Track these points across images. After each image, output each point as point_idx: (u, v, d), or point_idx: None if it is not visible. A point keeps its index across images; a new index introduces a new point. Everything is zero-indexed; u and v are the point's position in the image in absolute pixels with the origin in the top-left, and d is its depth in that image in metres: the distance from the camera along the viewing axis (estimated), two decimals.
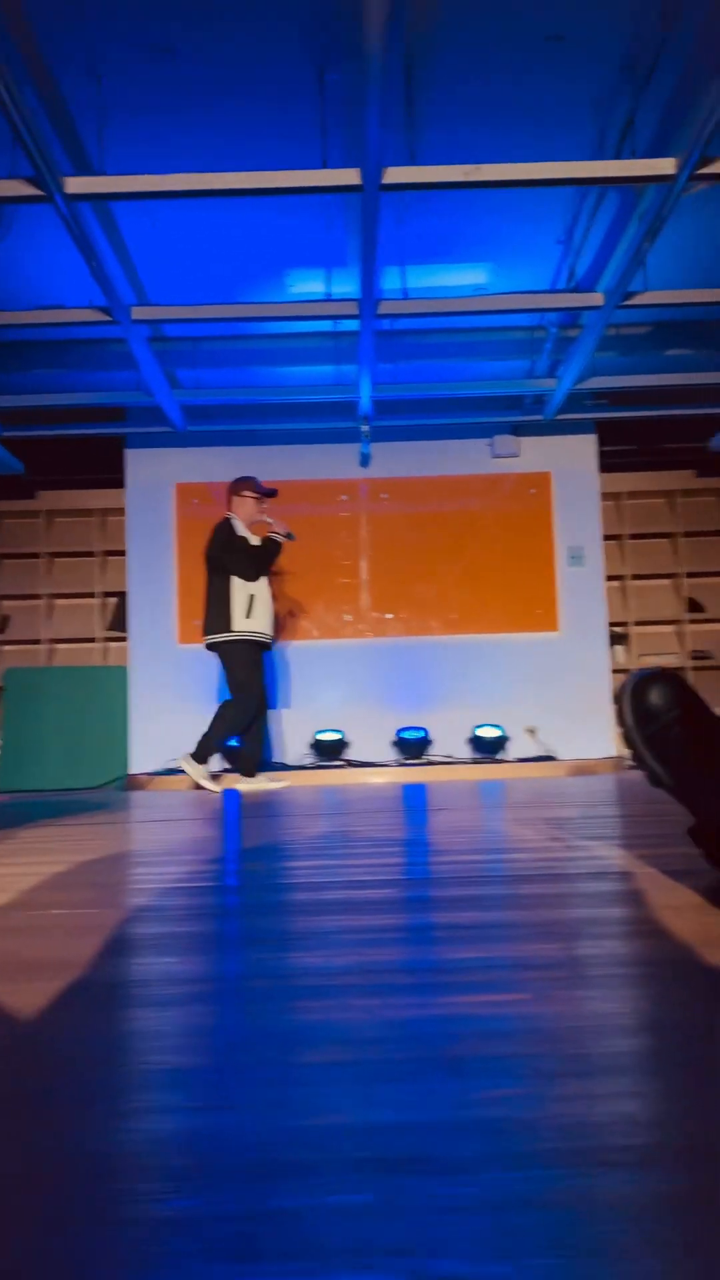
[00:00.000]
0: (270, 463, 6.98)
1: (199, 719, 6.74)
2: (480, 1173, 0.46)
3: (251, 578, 5.11)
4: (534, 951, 0.93)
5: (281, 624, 6.77)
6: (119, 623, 7.69)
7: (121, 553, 7.63)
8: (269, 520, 5.32)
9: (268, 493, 5.34)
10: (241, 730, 5.07)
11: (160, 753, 6.73)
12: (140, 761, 6.74)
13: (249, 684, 5.02)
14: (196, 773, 5.06)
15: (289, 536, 5.27)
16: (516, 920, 1.10)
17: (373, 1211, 0.43)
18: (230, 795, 4.66)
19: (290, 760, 6.53)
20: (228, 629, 5.04)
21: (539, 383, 6.38)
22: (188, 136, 4.38)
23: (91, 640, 7.80)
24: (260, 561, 5.14)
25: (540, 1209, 0.43)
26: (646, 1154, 0.48)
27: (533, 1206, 0.43)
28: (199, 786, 5.13)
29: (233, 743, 5.33)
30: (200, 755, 5.03)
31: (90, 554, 7.91)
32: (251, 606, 5.10)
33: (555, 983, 0.81)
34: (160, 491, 6.97)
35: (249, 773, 5.18)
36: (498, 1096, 0.56)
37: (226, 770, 5.30)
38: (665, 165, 3.88)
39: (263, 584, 5.16)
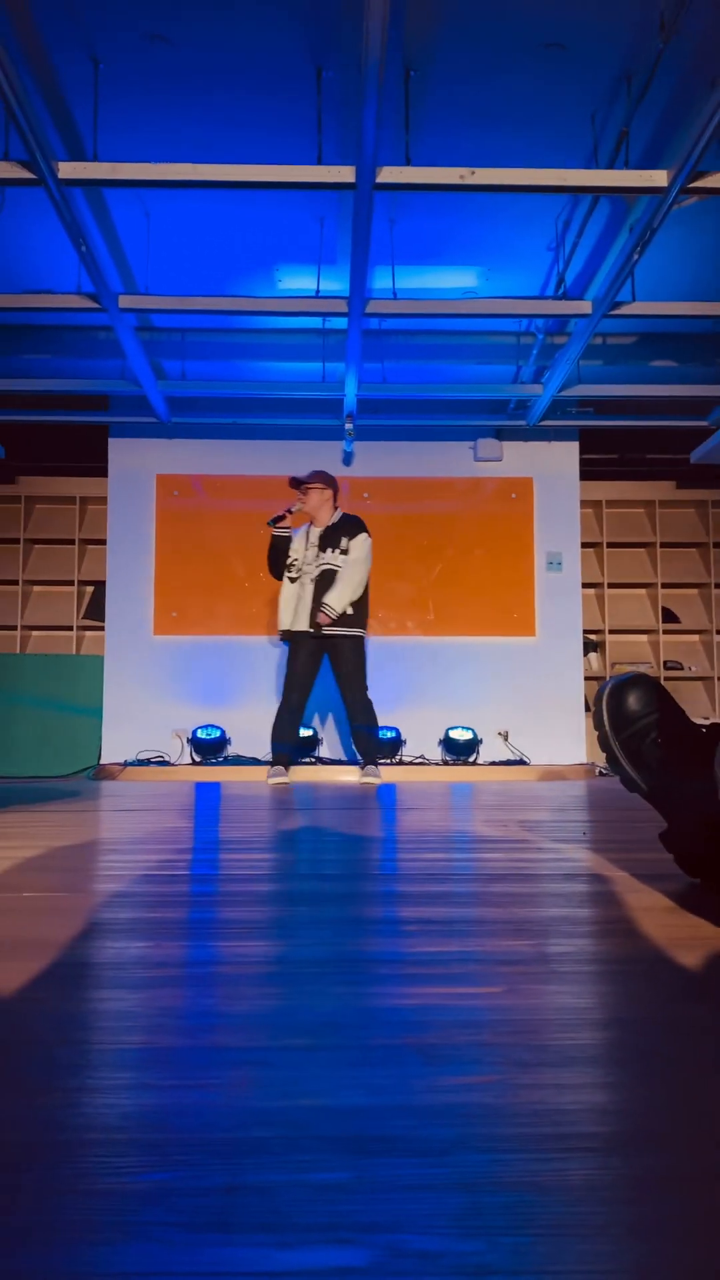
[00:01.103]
0: (253, 457, 6.97)
1: (172, 710, 6.72)
2: (452, 1154, 0.47)
3: (271, 573, 5.32)
4: (505, 947, 0.94)
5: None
6: (96, 612, 7.65)
7: (101, 541, 7.59)
8: (294, 510, 5.31)
9: (292, 483, 5.34)
10: (278, 725, 5.21)
11: (133, 743, 6.70)
12: (113, 751, 6.71)
13: (287, 673, 5.20)
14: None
15: (272, 522, 5.26)
16: (488, 917, 1.11)
17: (347, 1189, 0.43)
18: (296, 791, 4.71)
19: (262, 754, 6.52)
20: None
21: (524, 388, 6.41)
22: (182, 126, 4.37)
23: (68, 629, 7.75)
24: (268, 557, 5.30)
25: (510, 1190, 0.44)
26: (613, 1140, 0.49)
27: (503, 1187, 0.44)
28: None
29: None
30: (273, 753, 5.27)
31: (69, 542, 7.86)
32: (280, 601, 5.27)
33: (526, 977, 0.82)
34: (142, 482, 6.95)
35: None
36: (469, 1083, 0.56)
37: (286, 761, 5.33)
38: (658, 177, 3.91)
39: (286, 583, 5.25)
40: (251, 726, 6.68)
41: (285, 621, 5.21)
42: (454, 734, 6.61)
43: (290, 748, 5.28)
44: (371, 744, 5.28)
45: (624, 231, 4.93)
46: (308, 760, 6.48)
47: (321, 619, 5.06)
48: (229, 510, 6.97)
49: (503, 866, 1.61)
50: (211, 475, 7.03)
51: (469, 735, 6.61)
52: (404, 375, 6.57)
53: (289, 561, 5.27)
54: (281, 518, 5.28)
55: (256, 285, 5.67)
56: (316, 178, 3.98)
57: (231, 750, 6.65)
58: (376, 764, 5.27)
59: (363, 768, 5.25)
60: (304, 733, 6.54)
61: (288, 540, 5.31)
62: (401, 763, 6.35)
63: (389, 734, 6.43)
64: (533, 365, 6.38)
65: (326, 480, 5.36)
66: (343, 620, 5.10)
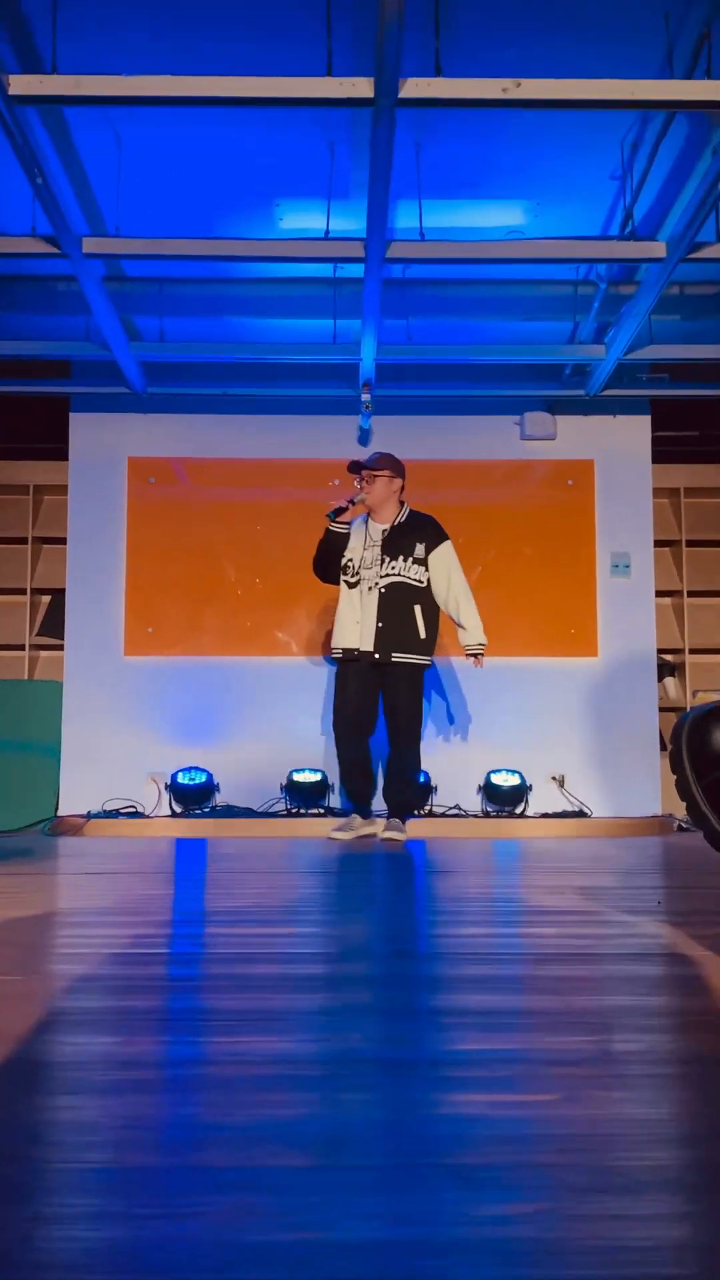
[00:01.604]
0: (248, 436, 7.00)
1: (148, 749, 6.73)
2: None
3: (317, 573, 5.50)
4: (560, 1044, 0.93)
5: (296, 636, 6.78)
6: (53, 627, 7.68)
7: (61, 540, 7.61)
8: (356, 501, 5.36)
9: (351, 467, 5.37)
10: (342, 759, 5.36)
11: (98, 790, 6.72)
12: (73, 800, 6.73)
13: (337, 705, 5.34)
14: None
15: (333, 514, 5.33)
16: (539, 1007, 1.10)
17: None
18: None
19: (258, 804, 6.52)
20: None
21: (582, 350, 6.41)
22: (160, 31, 4.42)
23: (19, 648, 7.78)
24: (317, 555, 5.46)
25: None
26: None
27: None
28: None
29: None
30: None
31: (20, 540, 7.91)
32: (339, 611, 5.40)
33: (585, 1082, 0.82)
34: (111, 467, 6.99)
35: (358, 811, 5.40)
36: (514, 1213, 0.56)
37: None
38: None
39: (344, 589, 5.35)
40: (245, 769, 6.67)
41: (346, 638, 5.25)
42: (496, 779, 6.58)
43: (364, 801, 5.36)
44: (408, 794, 5.27)
45: (705, 156, 4.94)
46: (316, 811, 6.47)
47: (476, 663, 5.27)
48: (219, 501, 7.00)
49: (558, 944, 1.60)
50: (197, 458, 7.06)
51: (515, 781, 6.58)
52: (433, 335, 6.58)
53: (345, 562, 5.32)
54: (344, 509, 5.30)
55: (252, 225, 5.71)
56: (326, 93, 4.00)
57: (220, 799, 6.64)
58: (405, 818, 5.27)
59: (388, 819, 5.25)
60: (311, 776, 6.54)
61: (346, 538, 5.34)
62: (432, 814, 6.33)
63: (417, 779, 6.43)
64: (593, 322, 6.38)
65: (395, 466, 5.34)
66: (408, 642, 5.20)
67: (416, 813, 6.23)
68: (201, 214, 5.64)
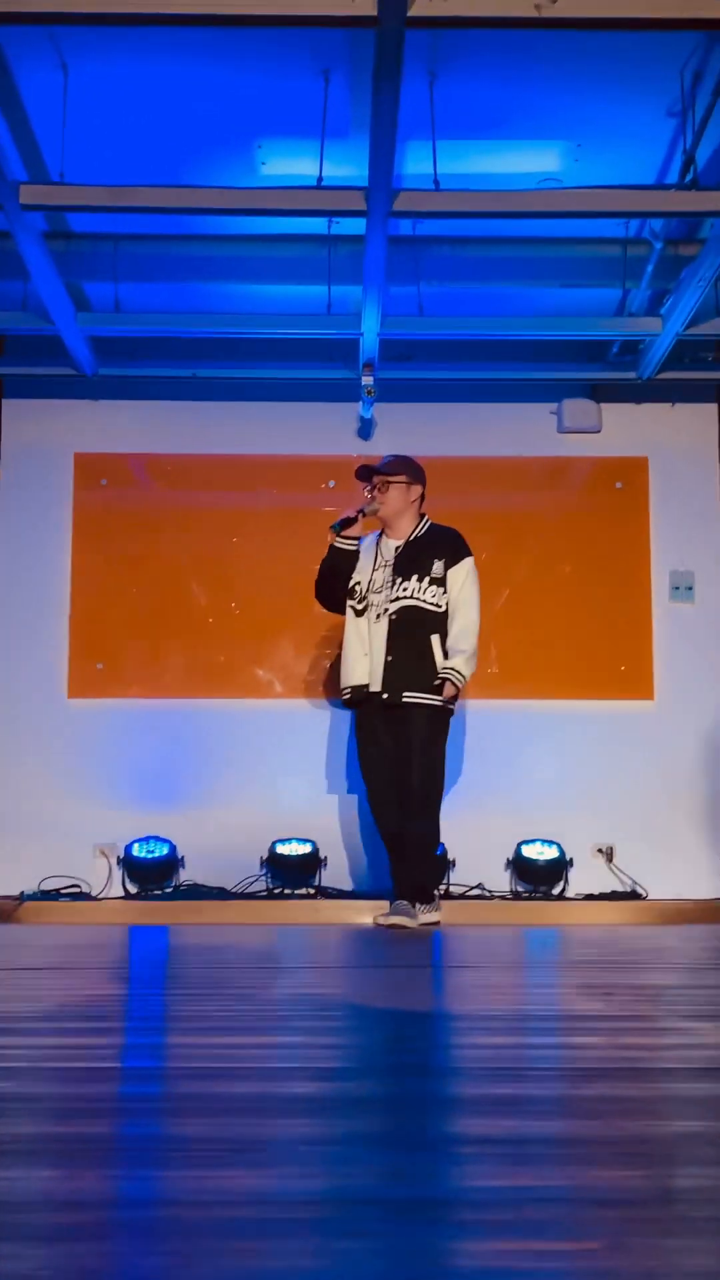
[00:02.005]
0: (223, 428, 7.02)
1: (95, 814, 6.70)
2: None
3: (320, 599, 5.67)
4: (606, 1179, 0.93)
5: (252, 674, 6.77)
6: None
7: None
8: (366, 512, 5.52)
9: (360, 473, 5.49)
10: (383, 832, 5.48)
11: (34, 865, 6.68)
12: (4, 878, 6.70)
13: (361, 764, 5.47)
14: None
15: (337, 526, 5.46)
16: (580, 1134, 1.10)
17: None
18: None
19: (232, 882, 6.49)
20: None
21: (634, 323, 6.44)
22: None
23: None
24: (320, 576, 5.61)
25: None
26: None
27: None
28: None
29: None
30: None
31: None
32: (344, 643, 5.50)
33: (639, 1226, 0.82)
34: (52, 464, 7.00)
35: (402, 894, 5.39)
36: None
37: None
38: None
39: (350, 616, 5.44)
40: (217, 840, 6.64)
41: (354, 673, 5.33)
42: (529, 852, 6.56)
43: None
44: (421, 871, 5.30)
45: None
46: (305, 892, 6.44)
47: (448, 691, 5.23)
48: (187, 507, 7.00)
49: (604, 1056, 1.60)
50: (159, 455, 7.07)
51: (553, 854, 6.55)
52: (450, 305, 6.61)
53: (352, 585, 5.39)
54: (352, 520, 5.36)
55: (228, 170, 5.75)
56: (319, 9, 4.04)
57: (185, 877, 6.61)
58: (418, 902, 5.26)
59: (393, 901, 5.24)
60: (299, 848, 6.52)
61: (355, 555, 5.39)
62: (449, 895, 6.31)
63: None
64: (646, 289, 6.41)
65: (413, 471, 5.45)
66: (423, 679, 5.23)
67: (438, 893, 6.22)
68: (166, 157, 5.68)
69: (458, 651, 5.25)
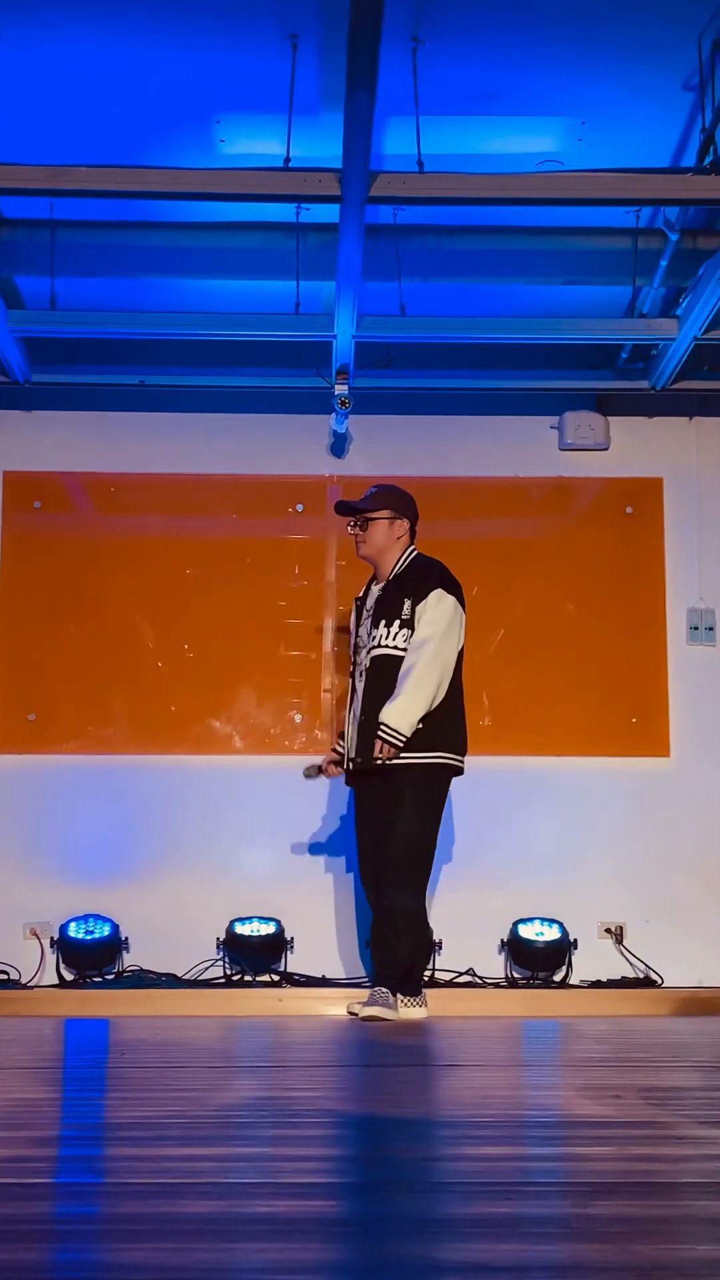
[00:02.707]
0: (175, 443, 7.03)
1: (25, 889, 6.66)
2: None
3: None
4: None
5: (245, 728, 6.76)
6: None
7: None
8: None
9: (339, 509, 5.64)
10: (373, 906, 5.42)
11: None
12: None
13: (357, 837, 5.52)
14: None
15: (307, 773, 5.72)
16: (587, 1259, 1.10)
17: None
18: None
19: (183, 968, 6.46)
20: None
21: (645, 325, 6.48)
22: None
23: None
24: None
25: None
26: None
27: None
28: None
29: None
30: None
31: None
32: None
33: None
34: None
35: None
36: None
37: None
38: None
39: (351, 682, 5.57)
40: (166, 919, 6.61)
41: (348, 740, 5.48)
42: (527, 932, 6.55)
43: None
44: (395, 952, 5.25)
45: None
46: (266, 979, 6.41)
47: (382, 750, 5.16)
48: (133, 535, 7.00)
49: (613, 1169, 1.59)
50: (101, 474, 7.06)
51: (554, 935, 6.54)
52: (435, 303, 6.64)
53: (354, 642, 5.60)
54: (318, 769, 5.67)
55: (182, 150, 5.78)
56: None
57: (129, 961, 6.58)
58: (399, 993, 5.25)
59: (371, 988, 5.22)
60: (260, 928, 6.50)
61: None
62: (435, 982, 6.29)
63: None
64: (659, 287, 6.46)
65: (399, 504, 5.49)
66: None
67: (425, 977, 6.20)
68: (111, 134, 5.71)
69: (397, 706, 5.14)
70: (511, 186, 5.30)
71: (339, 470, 6.97)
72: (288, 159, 5.42)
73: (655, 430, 7.16)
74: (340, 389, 6.50)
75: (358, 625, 5.52)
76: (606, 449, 7.11)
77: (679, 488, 7.11)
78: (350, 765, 5.32)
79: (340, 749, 5.50)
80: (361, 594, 5.59)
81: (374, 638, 5.34)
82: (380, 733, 5.12)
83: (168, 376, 6.83)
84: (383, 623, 5.33)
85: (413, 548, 5.50)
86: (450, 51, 5.16)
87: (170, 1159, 1.71)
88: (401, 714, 5.13)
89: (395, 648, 5.29)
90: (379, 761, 5.14)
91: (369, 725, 5.19)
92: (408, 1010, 5.19)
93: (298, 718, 6.82)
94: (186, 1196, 1.42)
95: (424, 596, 5.31)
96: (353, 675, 5.50)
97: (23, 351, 6.59)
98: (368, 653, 5.35)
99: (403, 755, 5.17)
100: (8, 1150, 1.80)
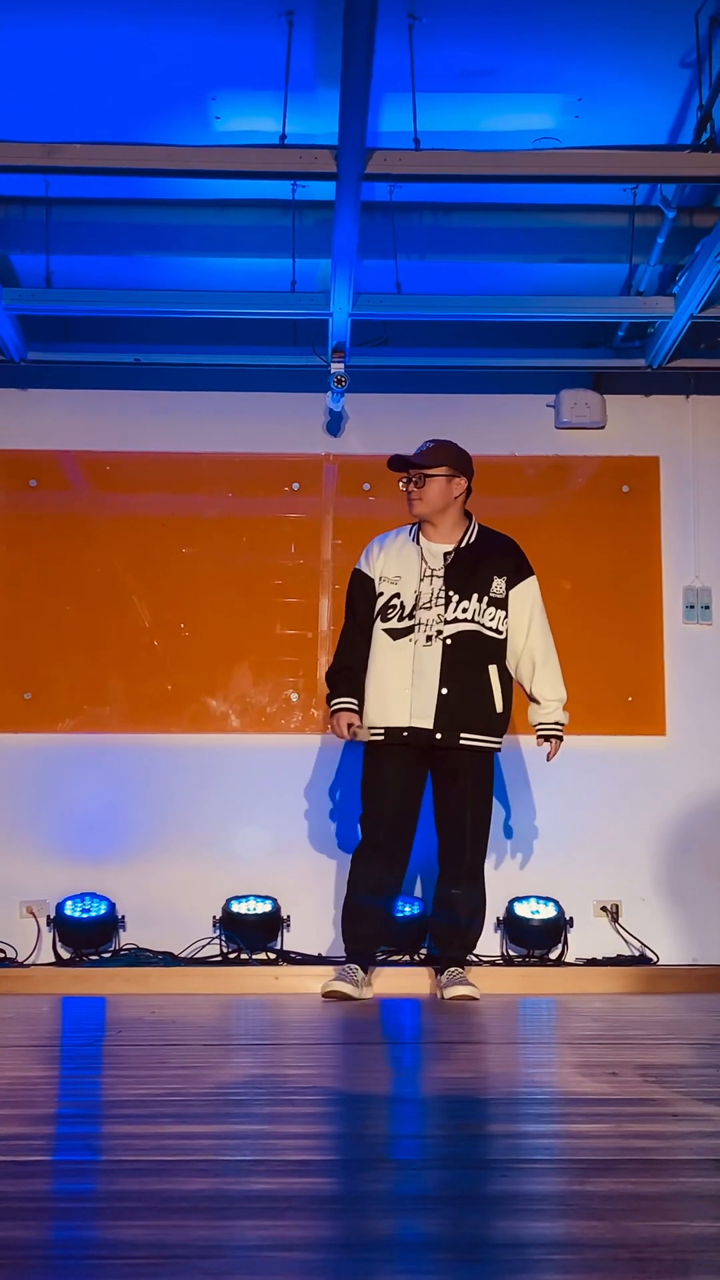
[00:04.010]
0: (170, 422, 7.02)
1: (22, 868, 6.67)
2: None
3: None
4: None
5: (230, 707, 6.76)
6: None
7: None
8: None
9: (394, 463, 5.41)
10: (359, 881, 5.30)
11: None
12: None
13: (370, 805, 5.31)
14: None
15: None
16: (584, 1236, 1.10)
17: None
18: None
19: (180, 946, 6.47)
20: None
21: (641, 303, 6.46)
22: None
23: None
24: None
25: None
26: None
27: None
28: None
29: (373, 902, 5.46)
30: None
31: None
32: (371, 673, 5.35)
33: None
34: None
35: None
36: None
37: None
38: None
39: (383, 640, 5.32)
40: (163, 897, 6.60)
41: (392, 711, 5.21)
42: (523, 910, 6.54)
43: (372, 937, 5.37)
44: (472, 929, 5.36)
45: None
46: (263, 956, 6.42)
47: (554, 751, 5.36)
48: (128, 514, 6.97)
49: (609, 1146, 1.60)
50: (96, 452, 7.04)
51: (550, 913, 6.53)
52: (432, 281, 6.61)
53: (388, 599, 5.28)
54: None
55: (178, 127, 5.76)
56: None
57: (126, 939, 6.58)
58: (466, 962, 5.37)
59: (442, 971, 5.30)
60: (257, 906, 6.50)
61: (370, 585, 5.37)
62: (430, 961, 6.31)
63: (408, 909, 6.39)
64: (656, 265, 6.44)
65: (458, 461, 5.38)
66: (482, 718, 5.20)
67: (405, 958, 6.22)
68: (107, 111, 5.69)
69: (551, 700, 5.28)
70: (508, 164, 5.29)
71: (335, 449, 6.97)
72: (283, 136, 5.40)
73: (652, 408, 7.15)
74: (336, 367, 6.49)
75: (419, 580, 5.30)
76: (603, 427, 7.10)
77: (675, 466, 7.10)
78: (437, 739, 5.14)
79: (356, 709, 5.29)
80: (402, 546, 5.42)
81: (462, 609, 5.23)
82: (556, 733, 5.30)
83: (163, 355, 6.82)
84: (474, 596, 5.23)
85: (469, 513, 5.40)
86: (447, 28, 5.15)
87: (167, 1136, 1.72)
88: (565, 714, 5.34)
89: (487, 626, 5.23)
90: (476, 740, 5.19)
91: (458, 702, 5.14)
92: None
93: (294, 696, 6.81)
94: (183, 1174, 1.42)
95: (521, 581, 5.32)
96: (402, 636, 5.27)
97: (18, 329, 6.57)
98: (448, 622, 5.19)
99: (491, 740, 5.25)
100: (5, 1128, 1.81)
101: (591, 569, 7.00)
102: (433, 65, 5.27)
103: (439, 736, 5.12)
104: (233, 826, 6.82)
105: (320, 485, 6.76)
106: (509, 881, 6.70)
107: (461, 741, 5.13)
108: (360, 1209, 1.25)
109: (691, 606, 7.02)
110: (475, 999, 5.07)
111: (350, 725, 5.27)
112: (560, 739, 5.32)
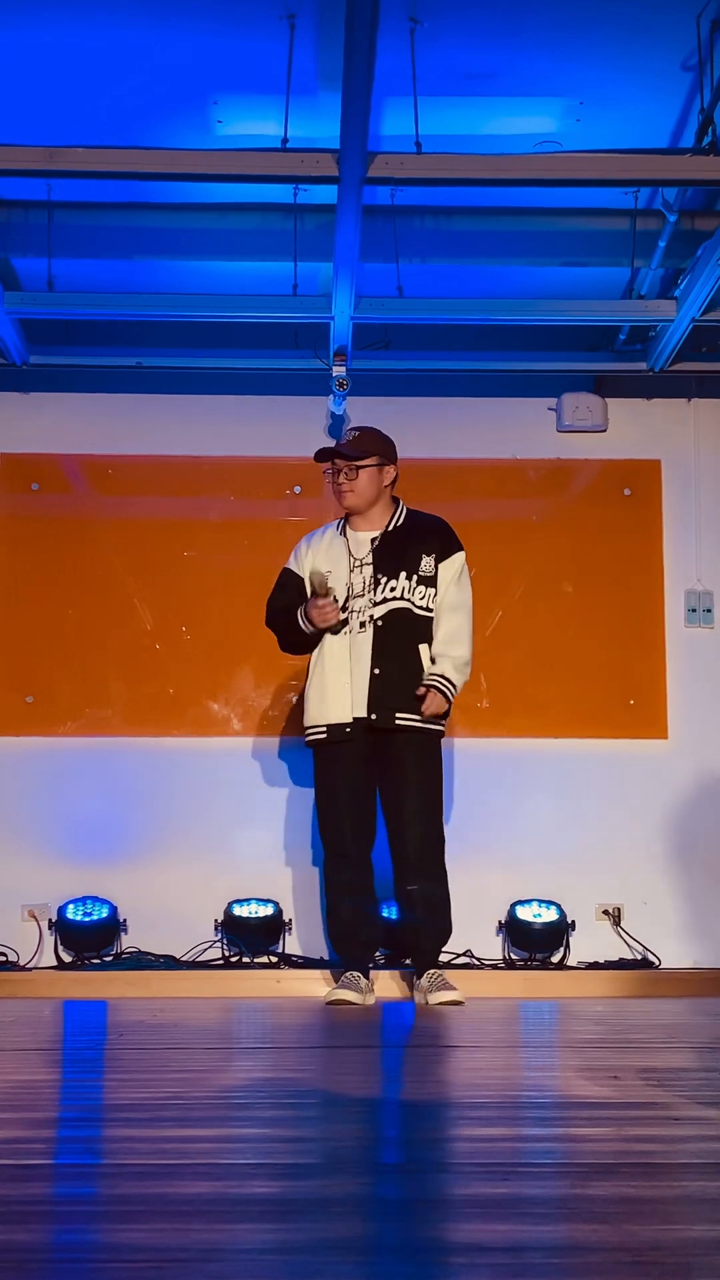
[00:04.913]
0: (172, 425, 7.01)
1: (23, 872, 6.67)
2: None
3: (278, 633, 5.49)
4: None
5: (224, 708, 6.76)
6: None
7: None
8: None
9: (320, 455, 5.37)
10: (334, 887, 5.28)
11: None
12: None
13: (324, 813, 5.27)
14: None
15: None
16: (585, 1240, 1.10)
17: None
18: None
19: (181, 949, 6.47)
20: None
21: (643, 307, 6.46)
22: None
23: None
24: (271, 606, 5.51)
25: None
26: None
27: None
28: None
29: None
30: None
31: None
32: (309, 673, 5.29)
33: None
34: None
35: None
36: None
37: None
38: None
39: (326, 636, 5.21)
40: (164, 901, 6.61)
41: (331, 707, 5.13)
42: (524, 914, 6.54)
43: (366, 941, 5.32)
44: (438, 928, 5.23)
45: None
46: (265, 960, 6.42)
47: (431, 704, 5.01)
48: (130, 517, 6.98)
49: (611, 1150, 1.60)
50: (98, 456, 7.04)
51: (551, 916, 6.54)
52: (433, 285, 6.61)
53: (323, 600, 5.14)
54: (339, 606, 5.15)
55: (180, 131, 5.76)
56: None
57: (127, 943, 6.58)
58: (441, 964, 5.29)
59: (419, 975, 5.22)
60: (259, 910, 6.49)
61: (299, 581, 5.28)
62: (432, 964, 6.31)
63: (389, 912, 6.37)
64: (658, 268, 6.44)
65: (384, 450, 5.31)
66: (413, 701, 5.04)
67: (404, 961, 6.21)
68: (108, 115, 5.69)
69: (447, 656, 5.08)
70: (509, 167, 5.29)
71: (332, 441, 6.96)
72: (285, 140, 5.40)
73: (653, 412, 7.15)
74: (338, 370, 6.49)
75: (350, 573, 5.22)
76: (604, 430, 7.09)
77: (677, 469, 7.10)
78: (372, 720, 5.03)
79: (334, 726, 5.15)
80: (331, 543, 5.36)
81: (390, 589, 5.15)
82: (437, 684, 5.02)
83: (165, 358, 6.81)
84: (403, 574, 5.16)
85: (398, 498, 5.35)
86: (448, 32, 5.15)
87: (168, 1140, 1.72)
88: (459, 673, 5.10)
89: (415, 604, 5.14)
90: (423, 721, 5.02)
91: (390, 681, 5.04)
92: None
93: (295, 699, 6.81)
94: (184, 1178, 1.42)
95: (448, 555, 5.22)
96: (339, 629, 5.18)
97: (20, 333, 6.57)
98: (377, 604, 5.13)
99: (431, 725, 5.09)
100: (6, 1132, 1.81)
101: (593, 572, 7.00)
102: (434, 69, 5.27)
103: (374, 718, 5.04)
104: (234, 830, 6.82)
105: (322, 489, 6.74)
106: (510, 885, 6.69)
107: (398, 721, 5.03)
108: (362, 1213, 1.25)
109: (693, 610, 7.01)
110: (460, 1003, 4.98)
111: (319, 605, 5.15)
112: (443, 695, 5.04)
